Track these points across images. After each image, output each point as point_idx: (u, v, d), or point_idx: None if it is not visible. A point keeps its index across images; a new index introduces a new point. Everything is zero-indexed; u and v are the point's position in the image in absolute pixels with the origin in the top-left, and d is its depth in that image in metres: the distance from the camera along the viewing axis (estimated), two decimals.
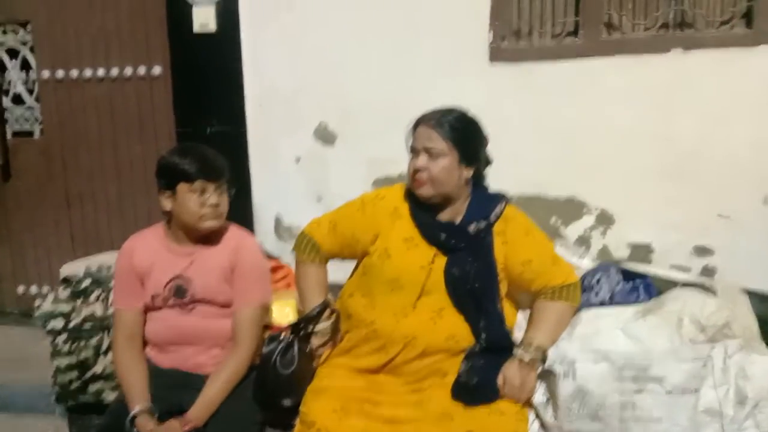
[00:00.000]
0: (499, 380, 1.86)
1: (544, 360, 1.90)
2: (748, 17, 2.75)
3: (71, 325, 2.24)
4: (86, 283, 2.35)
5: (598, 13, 2.82)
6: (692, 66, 2.74)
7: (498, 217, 1.94)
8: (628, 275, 2.14)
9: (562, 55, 2.84)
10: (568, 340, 1.92)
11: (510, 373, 1.86)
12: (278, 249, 3.09)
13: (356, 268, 2.09)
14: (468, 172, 1.92)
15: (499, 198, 1.98)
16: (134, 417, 1.88)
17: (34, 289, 3.65)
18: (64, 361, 2.24)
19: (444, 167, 1.86)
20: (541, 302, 1.97)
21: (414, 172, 1.89)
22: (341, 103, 3.05)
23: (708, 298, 1.98)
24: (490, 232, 1.92)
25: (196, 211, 1.97)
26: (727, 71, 2.72)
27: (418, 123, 1.93)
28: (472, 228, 1.90)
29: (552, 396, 1.92)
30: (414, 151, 1.91)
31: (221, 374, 1.96)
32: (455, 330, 1.88)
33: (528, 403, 1.92)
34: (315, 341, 2.02)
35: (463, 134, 1.90)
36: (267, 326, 2.19)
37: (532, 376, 1.88)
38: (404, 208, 1.98)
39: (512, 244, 1.93)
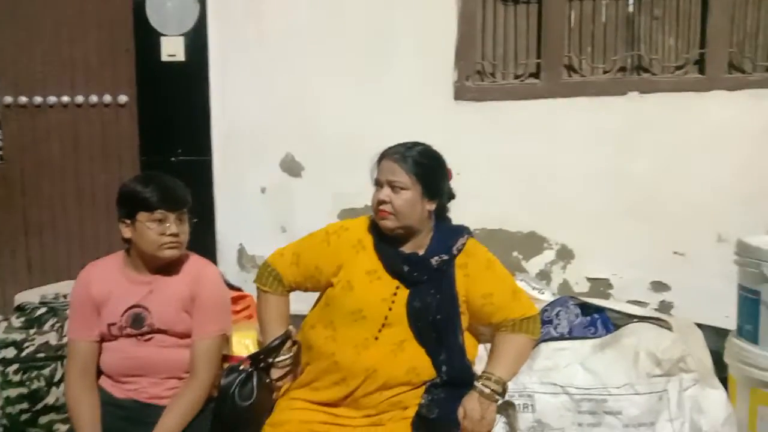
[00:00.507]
0: (460, 413, 1.85)
1: (503, 393, 1.91)
2: (701, 64, 2.88)
3: (23, 354, 2.17)
4: (41, 311, 2.29)
5: (558, 56, 2.92)
6: (648, 108, 2.86)
7: (460, 251, 1.96)
8: (586, 309, 2.18)
9: (524, 95, 2.94)
10: (528, 373, 1.94)
11: (470, 405, 1.86)
12: (241, 279, 3.06)
13: (319, 299, 2.08)
14: (431, 206, 1.95)
15: (461, 231, 2.00)
16: None
17: None
18: (14, 392, 2.16)
19: (407, 200, 1.89)
20: (501, 335, 1.98)
21: (378, 204, 1.91)
22: (308, 135, 3.09)
23: (663, 332, 2.02)
24: (452, 264, 1.94)
25: (156, 240, 1.95)
26: (682, 114, 2.85)
27: (383, 156, 1.96)
28: (434, 261, 1.91)
29: (511, 428, 1.93)
30: (378, 184, 1.93)
31: (178, 405, 1.92)
32: (416, 363, 1.88)
33: None
34: (275, 373, 2.00)
35: (426, 169, 1.93)
36: (226, 357, 2.16)
37: (492, 409, 1.88)
38: (368, 240, 1.99)
39: (473, 278, 1.95)
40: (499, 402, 1.91)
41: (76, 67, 3.35)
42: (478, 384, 1.89)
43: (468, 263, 1.96)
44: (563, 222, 2.93)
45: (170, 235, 1.96)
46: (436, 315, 1.89)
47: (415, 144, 1.97)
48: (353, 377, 1.87)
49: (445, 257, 1.93)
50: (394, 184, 1.89)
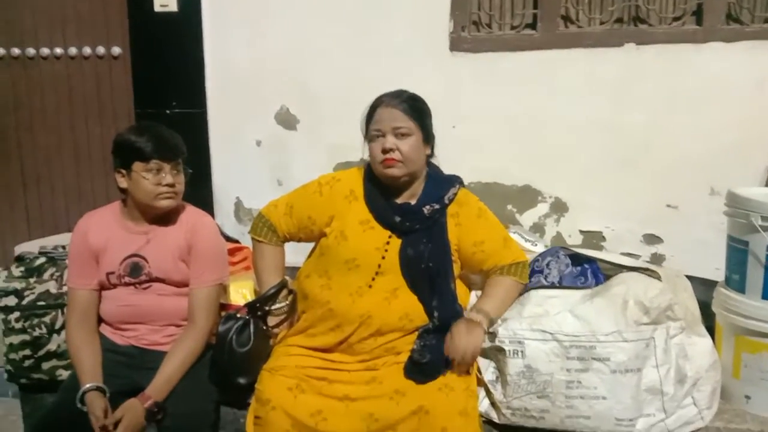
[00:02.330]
0: (447, 339, 1.89)
1: (489, 325, 1.94)
2: (698, 15, 2.85)
3: (24, 302, 2.21)
4: (40, 261, 2.32)
5: (555, 6, 2.89)
6: (645, 60, 2.83)
7: (451, 200, 1.99)
8: (577, 260, 2.21)
9: (520, 46, 2.91)
10: (518, 319, 1.98)
11: (456, 328, 1.89)
12: (238, 232, 3.09)
13: (313, 250, 2.11)
14: (428, 150, 1.99)
15: (452, 181, 2.03)
16: (84, 394, 1.88)
17: None
18: (17, 339, 2.21)
19: (412, 145, 1.91)
20: (491, 278, 2.03)
21: (383, 153, 1.90)
22: (303, 88, 3.07)
23: (652, 281, 2.05)
24: (444, 213, 1.97)
25: (152, 190, 1.97)
26: (678, 66, 2.82)
27: (376, 105, 1.96)
28: (426, 210, 1.94)
29: (501, 374, 1.98)
30: (378, 134, 1.92)
31: (178, 352, 1.97)
32: (409, 309, 1.93)
33: (478, 381, 1.97)
34: (271, 321, 2.05)
35: (422, 113, 1.96)
36: (224, 305, 2.21)
37: (477, 333, 1.90)
38: (360, 191, 2.01)
39: (465, 226, 1.98)
40: (486, 341, 1.96)
41: (68, 19, 3.30)
42: (465, 315, 1.94)
43: (459, 212, 1.99)
44: (558, 175, 2.94)
45: (166, 185, 1.98)
46: (429, 263, 1.92)
47: (402, 90, 1.99)
48: (348, 323, 1.91)
49: (437, 206, 1.96)
50: (399, 131, 1.90)
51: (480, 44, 2.93)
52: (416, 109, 1.94)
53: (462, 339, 1.87)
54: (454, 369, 1.87)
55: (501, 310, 1.98)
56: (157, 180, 1.97)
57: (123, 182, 2.00)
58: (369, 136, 1.96)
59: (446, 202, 1.98)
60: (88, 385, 1.90)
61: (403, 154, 1.89)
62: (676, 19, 2.87)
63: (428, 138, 1.98)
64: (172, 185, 1.99)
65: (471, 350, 1.87)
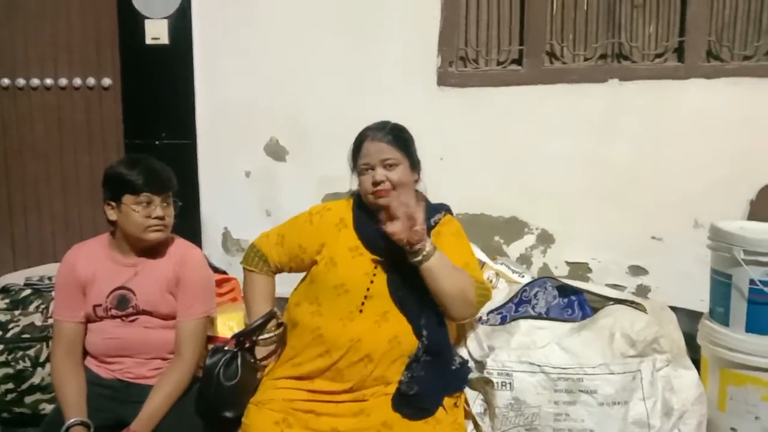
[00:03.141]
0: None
1: (432, 251, 1.86)
2: (680, 52, 2.93)
3: (9, 335, 2.19)
4: (26, 292, 2.31)
5: (540, 43, 2.96)
6: (628, 95, 2.90)
7: (437, 223, 2.04)
8: (564, 291, 2.23)
9: (507, 81, 2.97)
10: (506, 351, 1.99)
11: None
12: (225, 262, 3.09)
13: (303, 278, 2.12)
14: (415, 176, 2.03)
15: (440, 209, 2.08)
16: (68, 429, 1.85)
17: None
18: (0, 372, 2.18)
19: (402, 174, 1.96)
20: None
21: (374, 186, 1.94)
22: (292, 120, 3.10)
23: (638, 314, 2.07)
24: (429, 235, 1.99)
25: (141, 222, 1.97)
26: (661, 101, 2.89)
27: (362, 140, 2.01)
28: None
29: (489, 406, 1.98)
30: (367, 167, 1.96)
31: (164, 386, 1.95)
32: (398, 332, 1.92)
33: (466, 414, 1.97)
34: (259, 352, 2.03)
35: (406, 142, 2.02)
36: (211, 338, 2.19)
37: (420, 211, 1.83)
38: (349, 219, 2.05)
39: (441, 242, 1.98)
40: (475, 370, 1.97)
41: (59, 50, 3.33)
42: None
43: (441, 231, 2.04)
44: (544, 207, 2.98)
45: (156, 218, 1.98)
46: (416, 284, 1.92)
47: (386, 122, 2.04)
48: (337, 349, 1.90)
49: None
50: (387, 162, 1.94)
51: (467, 79, 2.98)
52: (401, 139, 2.00)
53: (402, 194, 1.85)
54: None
55: (448, 269, 1.88)
56: (146, 213, 1.97)
57: (112, 215, 2.00)
58: (358, 170, 2.00)
59: (432, 224, 2.01)
60: (72, 420, 1.87)
61: (394, 183, 1.94)
62: (658, 56, 2.94)
63: (414, 165, 2.03)
64: (161, 218, 1.99)
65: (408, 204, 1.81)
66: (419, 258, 1.84)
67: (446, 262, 1.90)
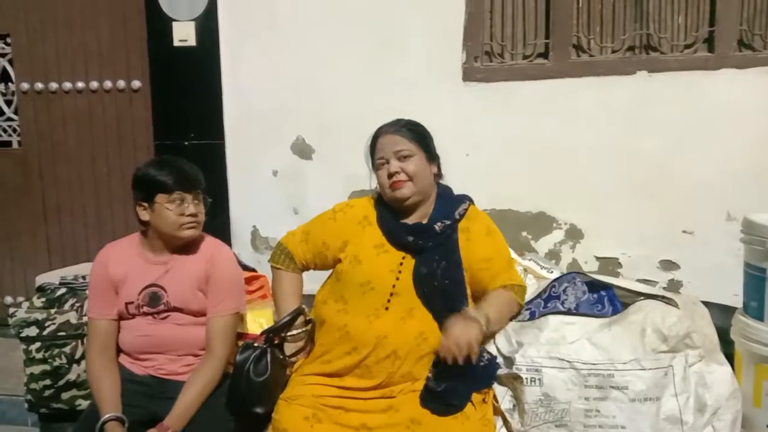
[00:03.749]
0: (442, 338, 1.83)
1: (486, 326, 1.87)
2: (710, 42, 2.87)
3: (45, 332, 2.24)
4: (61, 291, 2.36)
5: (567, 35, 2.92)
6: (657, 87, 2.85)
7: (462, 216, 2.04)
8: (594, 286, 2.20)
9: (533, 75, 2.94)
10: (536, 346, 1.98)
11: (452, 320, 1.84)
12: (254, 260, 3.12)
13: (329, 277, 2.14)
14: (434, 169, 2.05)
15: (462, 198, 2.09)
16: (103, 424, 1.90)
17: (8, 299, 3.63)
18: (37, 369, 2.23)
19: (417, 164, 1.98)
20: (493, 291, 2.03)
21: (389, 178, 1.97)
22: (318, 118, 3.12)
23: (670, 309, 2.04)
24: (455, 229, 2.02)
25: (175, 220, 2.02)
26: (690, 93, 2.84)
27: (377, 137, 2.05)
28: (438, 226, 1.99)
29: (518, 402, 1.97)
30: (382, 161, 2.00)
31: (196, 382, 1.98)
32: (424, 328, 1.93)
33: (495, 409, 1.96)
34: (288, 349, 2.05)
35: (421, 134, 2.04)
36: (241, 334, 2.22)
37: (474, 326, 1.83)
38: (373, 216, 2.07)
39: (474, 242, 2.02)
40: (504, 366, 1.97)
41: (89, 54, 3.40)
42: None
43: (470, 227, 2.04)
44: (572, 201, 2.95)
45: (189, 215, 2.02)
46: (443, 280, 1.94)
47: (399, 119, 2.08)
48: (364, 345, 1.91)
49: (448, 222, 2.00)
50: (401, 154, 1.98)
51: (493, 74, 2.97)
52: (415, 131, 2.03)
53: (456, 328, 1.81)
54: (445, 355, 1.81)
55: (498, 317, 1.96)
56: (180, 211, 2.02)
57: (145, 215, 2.04)
58: (375, 166, 2.04)
59: (457, 217, 2.02)
60: (107, 416, 1.91)
61: (409, 174, 1.96)
62: (687, 46, 2.89)
63: (432, 158, 2.05)
64: (194, 215, 2.05)
65: (465, 339, 1.78)
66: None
67: (497, 316, 1.95)
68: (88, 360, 2.06)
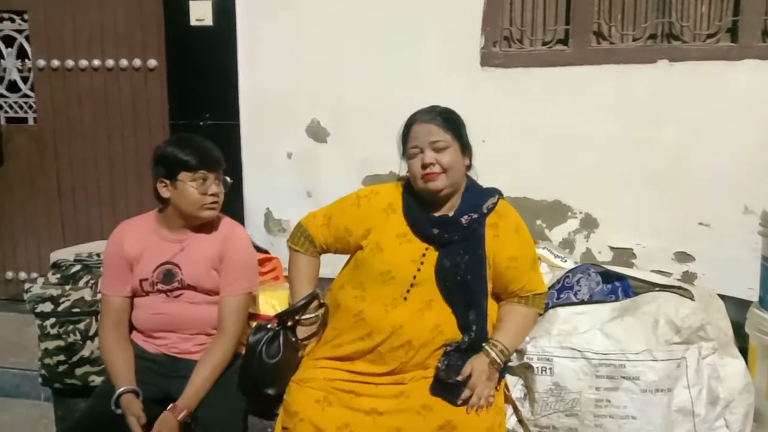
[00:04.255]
0: (466, 370, 1.87)
1: (506, 363, 1.94)
2: (733, 32, 2.82)
3: (60, 308, 2.26)
4: (76, 268, 2.37)
5: (587, 22, 2.88)
6: (678, 77, 2.81)
7: (491, 210, 1.98)
8: (607, 277, 2.19)
9: (552, 62, 2.91)
10: (547, 337, 1.97)
11: (480, 366, 1.88)
12: (267, 242, 3.13)
13: (348, 261, 2.12)
14: (466, 161, 2.00)
15: (492, 192, 2.03)
16: (119, 396, 1.91)
17: (23, 275, 3.66)
18: (51, 344, 2.25)
19: (452, 157, 1.92)
20: (511, 306, 2.01)
21: (423, 168, 1.91)
22: (334, 101, 3.10)
23: (684, 300, 2.03)
24: (482, 224, 1.96)
25: (198, 199, 2.02)
26: (712, 83, 2.80)
27: (411, 123, 1.97)
28: (464, 220, 1.93)
29: (529, 391, 1.97)
30: (417, 150, 1.93)
31: (207, 362, 1.99)
32: (441, 321, 1.92)
33: (506, 398, 1.96)
34: (301, 332, 2.06)
35: (457, 125, 1.97)
36: (253, 315, 2.23)
37: (495, 378, 1.90)
38: (398, 204, 2.02)
39: (502, 239, 1.97)
40: (515, 357, 1.98)
41: (106, 32, 3.40)
42: (486, 347, 1.92)
43: (498, 224, 1.98)
44: (588, 191, 2.92)
45: (211, 194, 2.03)
46: (466, 275, 1.92)
47: (435, 106, 2.00)
48: (379, 333, 1.90)
49: (475, 216, 1.95)
50: (436, 145, 1.91)
51: (511, 60, 2.93)
52: (451, 121, 1.96)
53: (483, 382, 1.86)
54: (465, 404, 1.84)
55: (518, 343, 1.98)
56: (203, 189, 2.02)
57: (166, 192, 2.04)
58: (407, 154, 1.97)
59: (485, 211, 1.96)
60: (123, 388, 1.93)
61: (444, 166, 1.90)
62: (710, 36, 2.84)
63: (465, 149, 1.99)
64: (216, 195, 2.05)
65: (486, 395, 1.85)
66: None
67: (515, 343, 1.96)
68: (102, 336, 2.07)
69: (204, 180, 2.03)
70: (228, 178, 2.12)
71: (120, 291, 2.07)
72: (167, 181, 2.03)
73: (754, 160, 2.77)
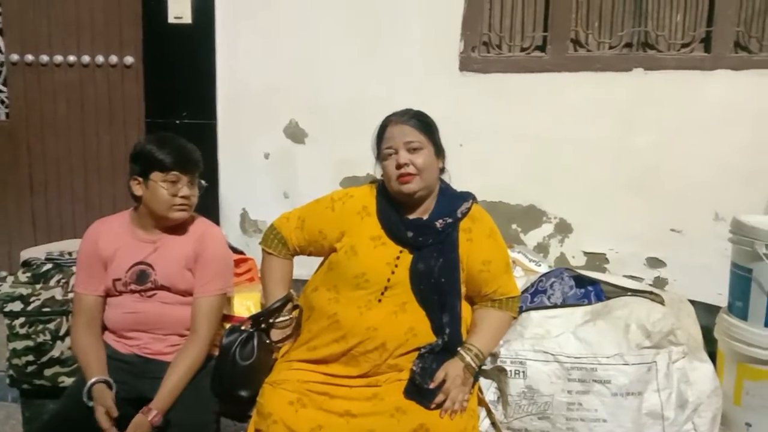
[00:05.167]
0: (439, 375, 1.88)
1: (480, 367, 1.95)
2: (707, 42, 2.88)
3: (30, 308, 2.22)
4: (47, 267, 2.33)
5: (565, 29, 2.92)
6: (652, 85, 2.86)
7: (465, 214, 1.99)
8: (581, 281, 2.22)
9: (530, 68, 2.94)
10: (520, 340, 1.99)
11: (455, 372, 1.89)
12: (243, 243, 3.11)
13: (321, 264, 2.11)
14: (440, 164, 2.00)
15: (466, 196, 2.04)
16: (91, 387, 1.89)
17: None
18: (20, 344, 2.21)
19: (426, 158, 1.93)
20: (485, 310, 2.03)
21: (398, 169, 1.91)
22: (312, 102, 3.10)
23: (655, 305, 2.06)
24: (456, 228, 1.97)
25: (167, 200, 2.00)
26: (686, 92, 2.85)
27: (386, 124, 1.99)
28: (438, 224, 1.94)
29: (502, 394, 1.98)
30: (391, 151, 1.94)
31: (180, 363, 1.97)
32: (415, 324, 1.92)
33: (479, 401, 1.98)
34: (275, 335, 2.05)
35: (431, 127, 1.99)
36: (228, 317, 2.21)
37: (470, 380, 1.92)
38: (372, 207, 2.02)
39: (476, 243, 1.98)
40: (489, 360, 1.99)
41: (82, 27, 3.35)
42: (461, 351, 1.93)
43: (472, 228, 2.00)
44: (563, 196, 2.96)
45: (182, 197, 2.01)
46: (440, 278, 1.92)
47: (408, 109, 2.02)
48: (353, 335, 1.91)
49: (450, 220, 1.96)
50: (411, 145, 1.92)
51: (489, 65, 2.96)
52: (425, 123, 1.97)
53: (458, 387, 1.87)
54: (439, 407, 1.84)
55: (492, 347, 1.99)
56: (173, 191, 2.00)
57: (138, 190, 2.03)
58: (381, 155, 1.98)
59: (459, 215, 1.98)
60: (95, 378, 1.91)
61: (418, 167, 1.91)
62: (684, 45, 2.90)
63: (439, 151, 2.00)
64: (187, 197, 2.03)
65: (460, 400, 1.86)
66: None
67: (490, 348, 1.97)
68: (73, 333, 2.05)
69: (175, 182, 2.01)
70: (203, 182, 2.11)
71: (93, 290, 2.05)
72: (140, 179, 2.02)
73: (726, 168, 2.83)
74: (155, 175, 1.99)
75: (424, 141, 1.94)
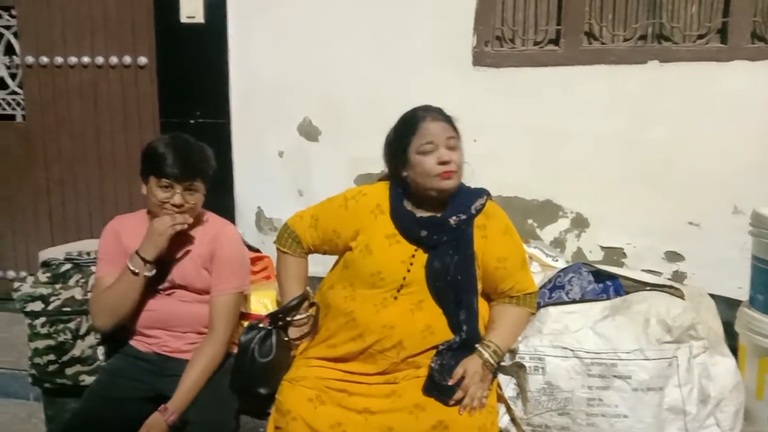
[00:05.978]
0: (458, 372, 1.87)
1: (499, 363, 1.95)
2: (723, 33, 2.84)
3: (50, 307, 2.23)
4: (66, 267, 2.35)
5: (579, 22, 2.89)
6: (668, 78, 2.83)
7: (479, 211, 1.97)
8: (599, 276, 2.20)
9: (543, 62, 2.91)
10: (539, 336, 1.98)
11: (473, 368, 1.88)
12: (258, 241, 3.11)
13: (337, 262, 2.11)
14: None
15: (480, 192, 2.02)
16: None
17: (11, 273, 3.62)
18: (42, 344, 2.22)
19: (461, 156, 1.94)
20: (503, 306, 2.02)
21: (441, 165, 1.88)
22: (326, 99, 3.09)
23: (675, 300, 2.04)
24: (470, 224, 1.95)
25: (159, 204, 2.01)
26: (701, 84, 2.81)
27: (418, 119, 1.93)
28: (452, 220, 1.92)
29: (521, 390, 1.97)
30: (431, 146, 1.89)
31: (198, 362, 1.99)
32: (432, 321, 1.92)
33: (499, 397, 1.97)
34: (293, 332, 2.05)
35: (455, 124, 1.97)
36: (245, 314, 2.22)
37: (488, 379, 1.91)
38: (386, 205, 2.00)
39: (491, 239, 1.97)
40: (508, 356, 1.98)
41: (96, 28, 3.36)
42: (479, 347, 1.92)
43: (487, 225, 1.98)
44: (579, 190, 2.94)
45: (173, 204, 2.00)
46: (456, 275, 1.91)
47: (430, 105, 2.00)
48: (370, 333, 1.90)
49: (464, 217, 1.93)
50: (450, 143, 1.91)
51: (503, 59, 2.94)
52: (452, 120, 1.97)
53: (477, 384, 1.87)
54: (458, 404, 1.85)
55: (511, 343, 1.98)
56: (165, 197, 2.00)
57: (143, 189, 2.05)
58: (419, 150, 1.90)
59: (473, 212, 1.95)
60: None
61: (458, 165, 1.91)
62: (700, 37, 2.86)
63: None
64: (179, 205, 2.00)
65: (479, 396, 1.86)
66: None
67: (508, 344, 1.96)
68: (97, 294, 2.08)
69: (167, 187, 2.00)
70: (205, 186, 2.08)
71: (116, 273, 2.04)
72: (143, 180, 2.04)
73: (744, 160, 2.80)
74: (152, 179, 2.01)
75: (458, 140, 1.94)
